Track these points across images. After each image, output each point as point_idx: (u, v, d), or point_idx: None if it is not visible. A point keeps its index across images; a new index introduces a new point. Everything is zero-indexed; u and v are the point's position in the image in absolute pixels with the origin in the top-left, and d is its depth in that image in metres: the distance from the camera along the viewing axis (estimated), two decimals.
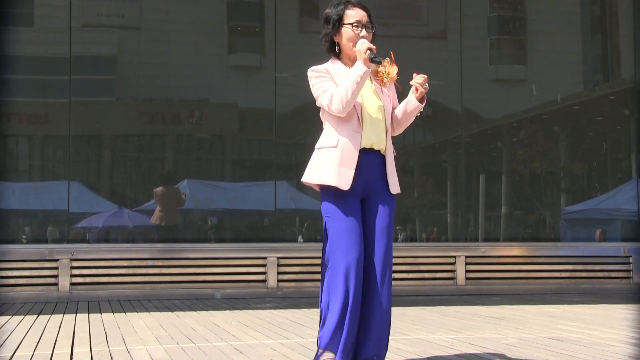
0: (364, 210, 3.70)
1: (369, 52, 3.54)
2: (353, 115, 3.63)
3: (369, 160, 3.65)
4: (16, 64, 9.10)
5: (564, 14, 10.85)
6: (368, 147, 3.65)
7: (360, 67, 3.53)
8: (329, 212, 3.64)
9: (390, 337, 3.74)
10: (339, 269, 3.56)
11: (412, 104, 3.74)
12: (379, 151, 3.69)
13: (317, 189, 3.76)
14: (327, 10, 3.75)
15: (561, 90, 10.50)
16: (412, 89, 3.74)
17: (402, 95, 3.91)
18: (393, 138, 3.84)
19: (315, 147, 3.74)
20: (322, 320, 3.64)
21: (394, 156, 3.79)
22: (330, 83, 3.64)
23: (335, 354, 3.55)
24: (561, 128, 10.67)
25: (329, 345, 3.57)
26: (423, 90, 3.72)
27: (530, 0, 10.75)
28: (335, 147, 3.61)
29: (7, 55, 8.98)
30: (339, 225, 3.60)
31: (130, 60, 9.83)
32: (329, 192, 3.64)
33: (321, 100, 3.65)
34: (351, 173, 3.58)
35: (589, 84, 11.24)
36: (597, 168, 10.74)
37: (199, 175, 9.69)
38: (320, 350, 3.61)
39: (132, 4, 9.56)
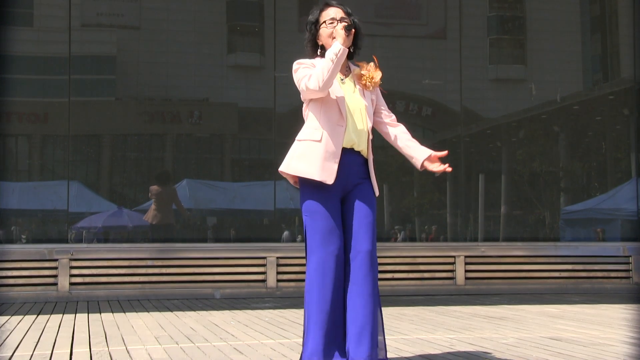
0: (345, 210, 3.70)
1: (344, 24, 3.59)
2: (334, 107, 3.64)
3: (349, 159, 3.68)
4: (16, 64, 9.10)
5: (563, 14, 10.86)
6: (348, 147, 3.67)
7: (335, 46, 3.56)
8: (308, 210, 3.65)
9: (389, 337, 3.74)
10: (317, 266, 3.60)
11: (411, 159, 3.80)
12: (359, 152, 3.71)
13: (292, 182, 3.74)
14: (308, 18, 3.82)
15: (561, 90, 10.50)
16: (428, 162, 3.77)
17: (386, 97, 3.92)
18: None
19: (297, 138, 3.72)
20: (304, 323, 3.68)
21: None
22: (312, 69, 3.65)
23: (316, 355, 3.57)
24: (561, 128, 10.68)
25: (310, 349, 3.58)
26: (435, 171, 3.76)
27: (529, 0, 10.75)
28: (320, 141, 3.61)
29: (7, 54, 8.98)
30: (317, 224, 3.62)
31: (129, 59, 9.83)
32: (309, 188, 3.64)
33: (301, 84, 3.64)
34: (335, 167, 3.60)
35: (588, 83, 11.24)
36: (596, 168, 10.74)
37: (198, 174, 9.69)
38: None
39: (131, 3, 9.56)
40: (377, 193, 3.80)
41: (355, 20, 3.76)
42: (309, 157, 3.61)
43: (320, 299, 3.58)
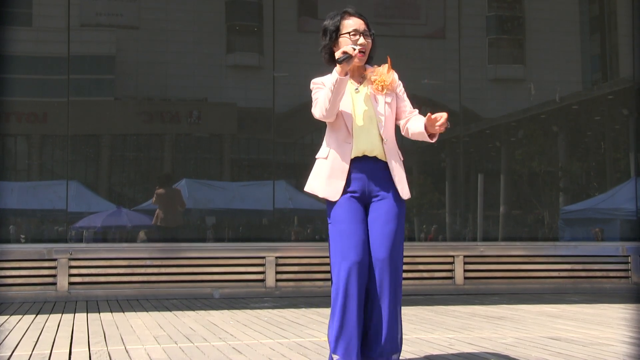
0: (369, 218, 3.69)
1: (342, 55, 3.50)
2: (342, 126, 3.66)
3: (367, 166, 3.66)
4: (15, 63, 9.10)
5: (562, 14, 10.86)
6: (360, 155, 3.65)
7: (333, 75, 3.53)
8: (331, 217, 3.69)
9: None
10: (339, 273, 3.59)
11: (422, 135, 3.64)
12: (375, 157, 3.67)
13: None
14: (324, 22, 3.75)
15: (560, 90, 10.50)
16: (431, 121, 3.57)
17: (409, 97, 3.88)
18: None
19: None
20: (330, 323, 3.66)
21: (402, 160, 3.76)
22: (322, 92, 3.65)
23: (339, 356, 3.56)
24: (560, 127, 10.68)
25: (335, 348, 3.58)
26: (442, 130, 3.58)
27: (528, 0, 10.75)
28: (326, 158, 3.69)
29: (6, 54, 8.98)
30: (339, 229, 3.63)
31: (128, 59, 9.82)
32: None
33: (312, 110, 3.72)
34: (341, 184, 3.63)
35: (587, 83, 11.25)
36: (595, 167, 10.75)
37: (197, 174, 9.69)
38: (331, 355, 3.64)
39: (130, 3, 9.56)
40: (405, 196, 3.70)
41: (373, 32, 3.72)
42: (317, 174, 3.71)
43: (339, 304, 3.56)
